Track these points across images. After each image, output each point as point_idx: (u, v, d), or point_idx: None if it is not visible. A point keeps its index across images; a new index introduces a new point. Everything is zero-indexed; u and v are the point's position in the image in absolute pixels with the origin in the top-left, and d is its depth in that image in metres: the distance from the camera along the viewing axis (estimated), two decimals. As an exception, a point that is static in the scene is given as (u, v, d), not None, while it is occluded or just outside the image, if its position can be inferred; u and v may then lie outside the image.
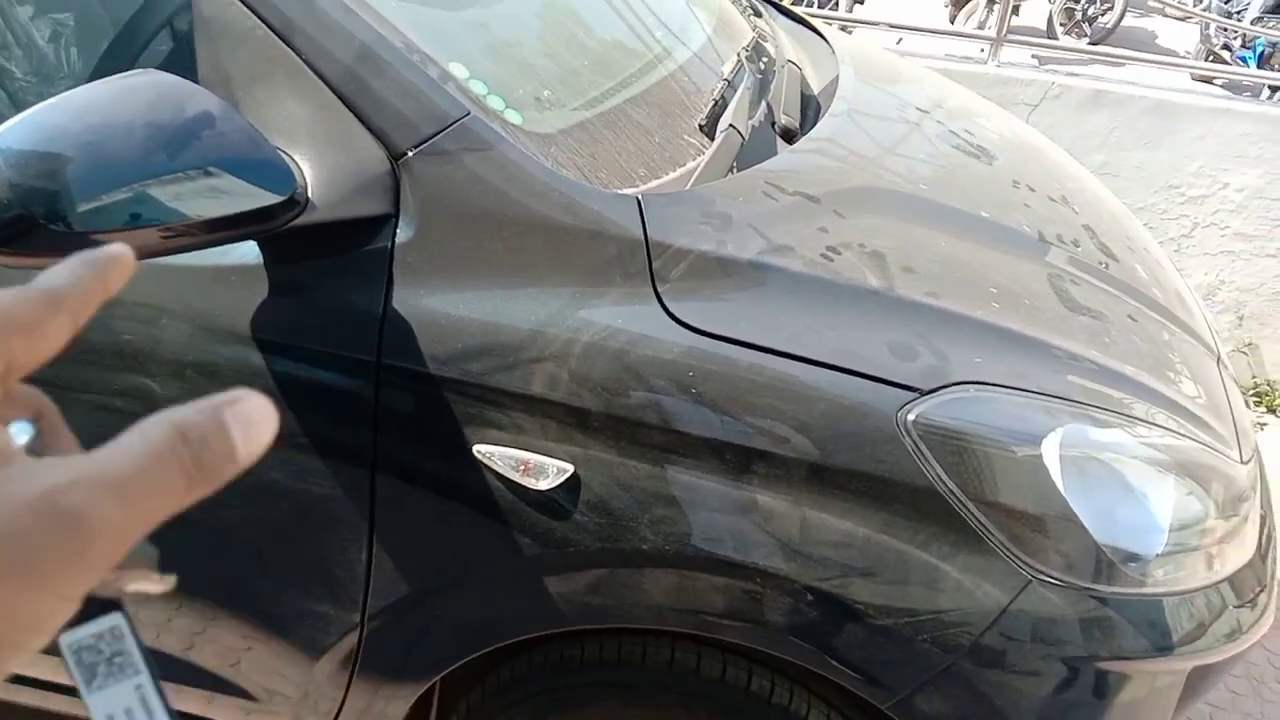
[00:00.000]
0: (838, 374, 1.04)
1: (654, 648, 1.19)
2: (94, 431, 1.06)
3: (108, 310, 1.09)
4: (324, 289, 1.07)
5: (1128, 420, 1.14)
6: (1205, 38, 8.23)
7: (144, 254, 0.93)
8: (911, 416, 1.03)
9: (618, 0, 1.67)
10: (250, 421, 0.32)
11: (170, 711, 0.38)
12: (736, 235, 1.11)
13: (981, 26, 8.18)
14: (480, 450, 1.07)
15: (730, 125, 1.32)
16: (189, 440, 0.30)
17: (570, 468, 1.06)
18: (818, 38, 2.08)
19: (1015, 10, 8.53)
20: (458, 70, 1.12)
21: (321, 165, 1.03)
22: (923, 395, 1.05)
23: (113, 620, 0.37)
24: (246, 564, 1.20)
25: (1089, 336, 1.22)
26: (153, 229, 0.91)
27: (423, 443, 1.09)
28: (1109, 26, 8.72)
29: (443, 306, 1.06)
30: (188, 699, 1.35)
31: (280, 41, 1.03)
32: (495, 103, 1.13)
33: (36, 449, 0.37)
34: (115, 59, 1.57)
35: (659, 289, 1.06)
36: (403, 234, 1.06)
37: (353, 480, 1.11)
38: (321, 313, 1.07)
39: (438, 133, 1.05)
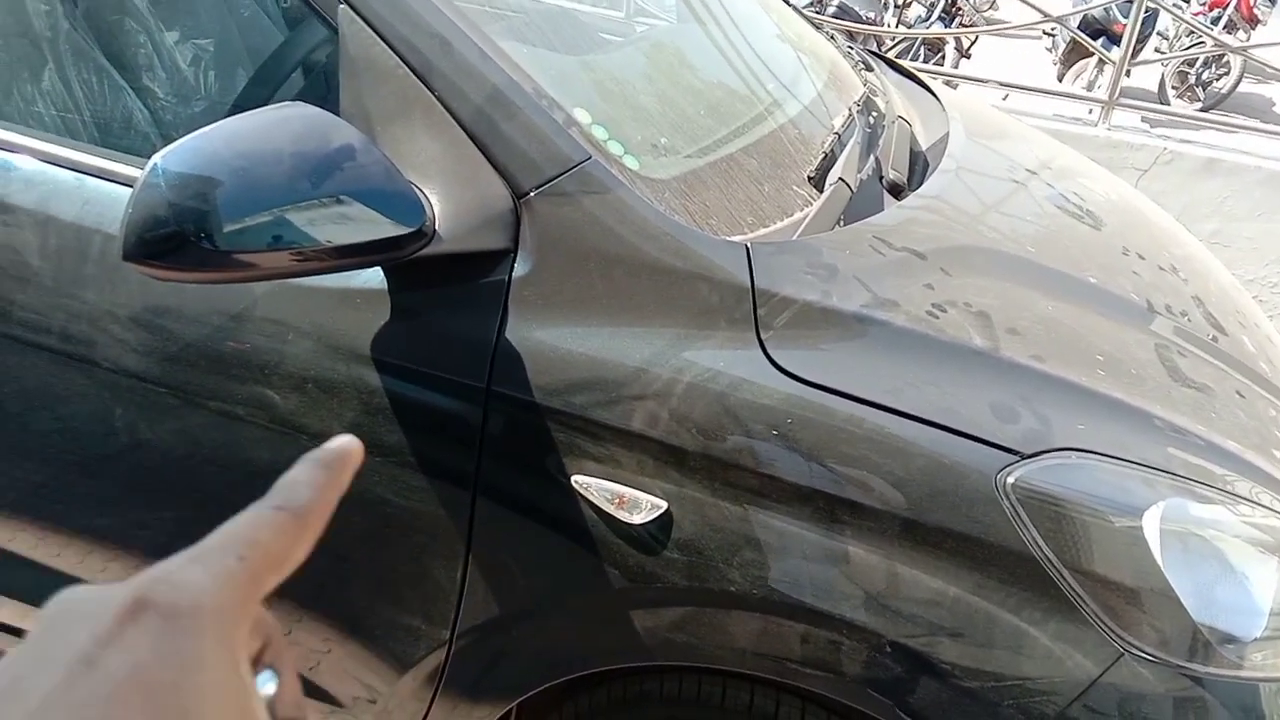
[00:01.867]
0: (938, 431, 1.04)
1: (734, 690, 1.20)
2: (216, 438, 1.12)
3: (239, 324, 1.16)
4: (442, 317, 1.12)
5: (1231, 498, 1.12)
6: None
7: (280, 275, 1.00)
8: (1011, 480, 1.03)
9: (732, 50, 1.72)
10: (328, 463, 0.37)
11: None
12: (842, 287, 1.13)
13: (1090, 87, 8.05)
14: (578, 481, 1.10)
15: (839, 178, 1.35)
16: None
17: (664, 504, 1.08)
18: (927, 93, 2.09)
19: (1127, 73, 8.42)
20: (581, 115, 1.17)
21: (449, 200, 1.09)
22: (1023, 459, 1.04)
23: (265, 675, 0.38)
24: (346, 574, 1.25)
25: (1194, 409, 1.20)
26: (288, 252, 0.97)
27: (523, 469, 1.13)
28: (1223, 92, 8.50)
29: (552, 340, 1.10)
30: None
31: (419, 81, 1.09)
32: (615, 148, 1.17)
33: (274, 705, 0.37)
34: (258, 87, 1.67)
35: (762, 336, 1.09)
36: (520, 269, 1.11)
37: (454, 501, 1.15)
38: (438, 339, 1.12)
39: (560, 175, 1.09)
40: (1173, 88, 8.74)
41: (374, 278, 1.14)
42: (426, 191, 1.09)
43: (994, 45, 8.58)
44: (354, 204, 0.99)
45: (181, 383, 1.19)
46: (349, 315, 1.14)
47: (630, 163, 1.17)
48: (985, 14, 7.63)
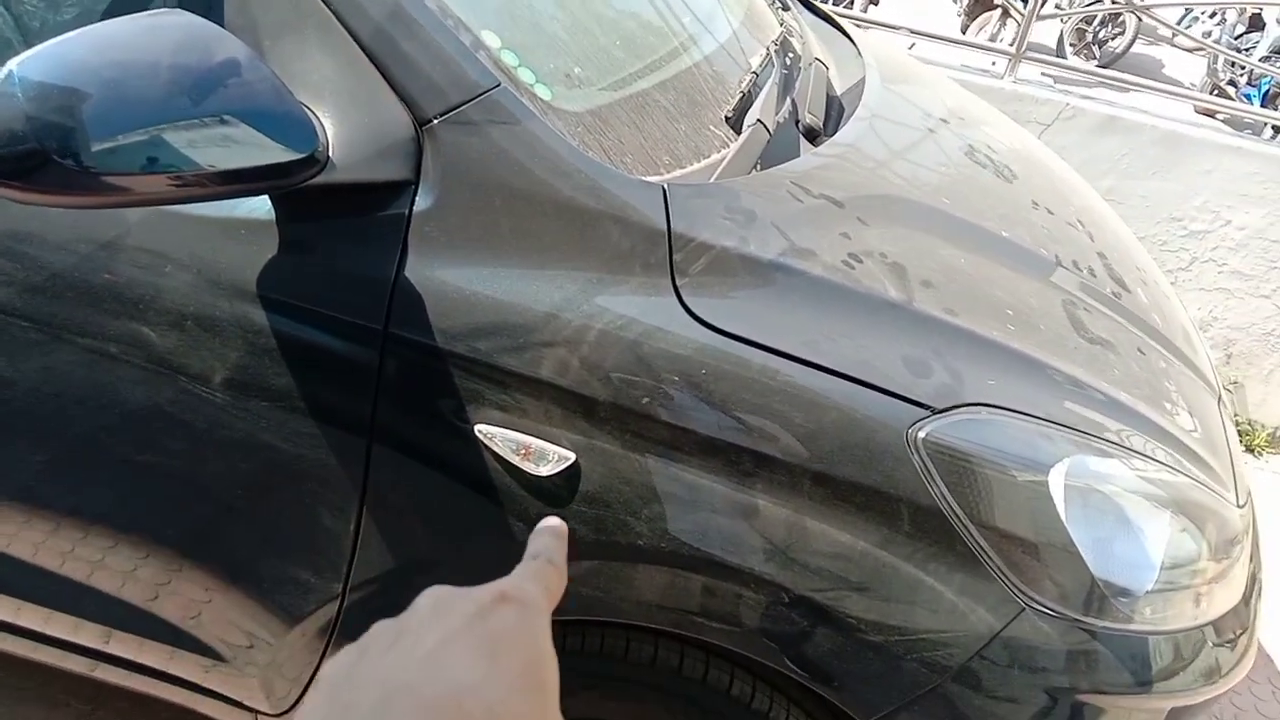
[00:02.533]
0: (851, 385, 1.02)
1: (638, 643, 1.18)
2: (86, 377, 1.02)
3: (111, 254, 1.06)
4: (335, 251, 1.05)
5: (1128, 453, 1.14)
6: (1212, 71, 8.27)
7: (156, 201, 0.91)
8: (922, 434, 1.02)
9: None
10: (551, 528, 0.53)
11: None
12: (759, 234, 1.10)
13: (993, 39, 8.17)
14: (482, 430, 1.05)
15: (757, 120, 1.30)
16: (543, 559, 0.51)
17: (571, 456, 1.04)
18: (843, 37, 2.06)
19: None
20: (490, 39, 1.10)
21: (344, 125, 1.01)
22: (934, 414, 1.03)
23: None
24: (231, 523, 1.17)
25: (1099, 366, 1.21)
26: (165, 175, 0.88)
27: (423, 417, 1.07)
28: (1118, 51, 8.73)
29: (456, 280, 1.03)
30: (149, 652, 1.32)
31: (313, -7, 1.00)
32: (525, 76, 1.10)
33: None
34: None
35: (678, 282, 1.05)
36: (421, 202, 1.03)
37: (348, 449, 1.09)
38: (331, 275, 1.05)
39: (466, 102, 1.02)
40: (1070, 44, 8.94)
41: (260, 207, 1.05)
42: (319, 114, 1.00)
43: (902, -5, 8.61)
44: (239, 125, 0.90)
45: (47, 316, 1.09)
46: (232, 247, 1.05)
47: (542, 92, 1.10)
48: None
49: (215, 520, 1.18)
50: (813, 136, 1.49)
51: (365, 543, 1.13)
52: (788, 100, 1.49)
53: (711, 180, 1.17)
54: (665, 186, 1.08)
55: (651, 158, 1.17)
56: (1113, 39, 8.83)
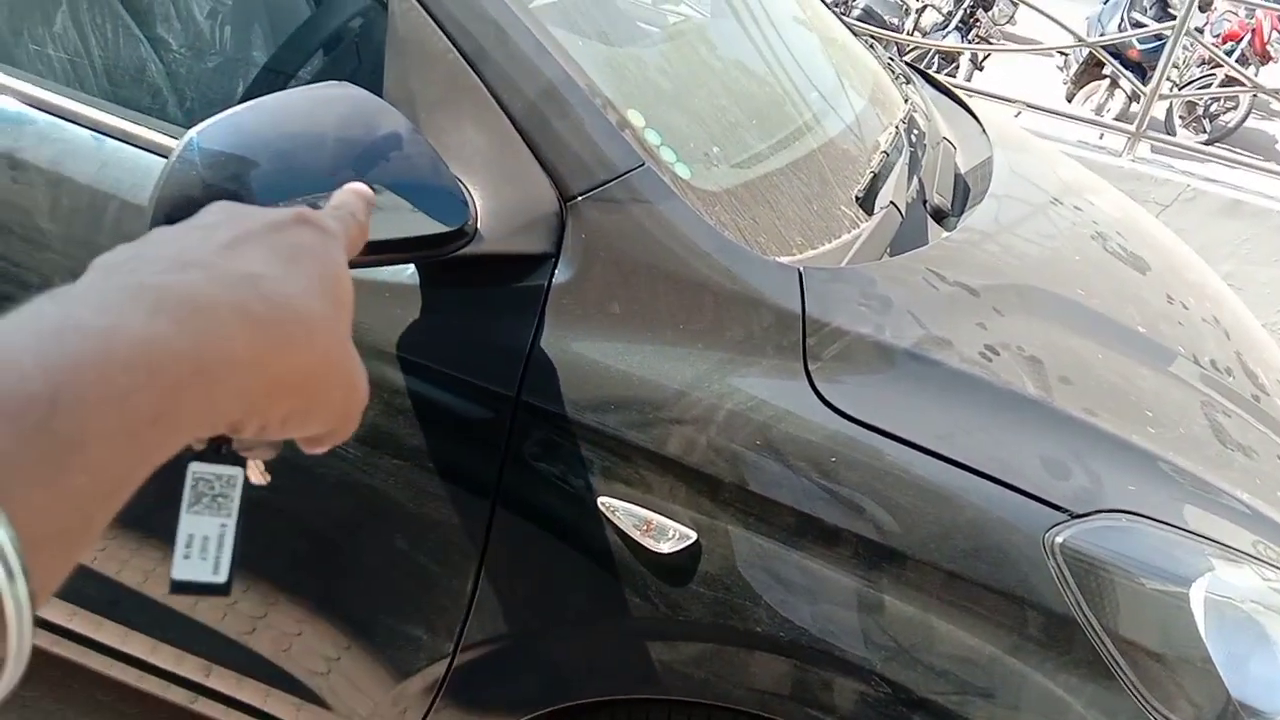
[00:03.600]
0: (988, 483, 1.00)
1: (747, 730, 1.15)
2: None
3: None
4: (475, 318, 1.07)
5: (1269, 567, 1.08)
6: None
7: None
8: (1060, 539, 0.99)
9: (776, 53, 1.66)
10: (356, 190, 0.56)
11: (234, 556, 0.47)
12: (895, 321, 1.08)
13: (1100, 109, 8.03)
14: (604, 502, 1.05)
15: (890, 203, 1.29)
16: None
17: (693, 535, 1.03)
18: (965, 112, 2.04)
19: (1135, 97, 8.40)
20: (635, 118, 1.12)
21: (492, 197, 1.03)
22: (1073, 518, 1.00)
23: (234, 471, 0.47)
24: (349, 573, 1.19)
25: (1241, 475, 1.16)
26: None
27: (548, 484, 1.07)
28: (1230, 126, 8.50)
29: (590, 353, 1.04)
30: (247, 689, 1.34)
31: (471, 69, 1.03)
32: (667, 155, 1.12)
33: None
34: (288, 52, 1.60)
35: (810, 367, 1.04)
36: (561, 275, 1.05)
37: (472, 510, 1.10)
38: (469, 341, 1.07)
39: (611, 180, 1.04)
40: (1180, 118, 8.73)
41: (404, 270, 1.08)
42: (469, 186, 1.03)
43: (1005, 58, 8.53)
44: (394, 196, 0.93)
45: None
46: (376, 308, 1.08)
47: (682, 171, 1.12)
48: (1002, 27, 7.59)
49: (333, 569, 1.20)
50: (940, 217, 1.47)
51: (481, 605, 1.14)
52: (915, 180, 1.48)
53: (844, 263, 1.16)
54: (801, 270, 1.07)
55: (785, 238, 1.17)
56: (1225, 113, 8.61)
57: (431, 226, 0.96)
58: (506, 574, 1.12)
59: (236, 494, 0.49)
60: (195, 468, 0.48)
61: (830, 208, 1.28)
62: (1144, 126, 2.98)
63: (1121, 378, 1.20)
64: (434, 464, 1.09)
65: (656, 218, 1.04)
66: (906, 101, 1.77)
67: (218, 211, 0.42)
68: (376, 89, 1.05)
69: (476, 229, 1.01)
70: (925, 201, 1.47)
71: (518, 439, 1.06)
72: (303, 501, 1.17)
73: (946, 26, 7.16)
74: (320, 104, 0.91)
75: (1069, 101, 8.50)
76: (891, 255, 1.24)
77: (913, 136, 1.62)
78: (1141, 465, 1.08)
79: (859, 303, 1.08)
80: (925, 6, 7.29)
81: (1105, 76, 8.05)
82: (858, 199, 1.33)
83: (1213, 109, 8.77)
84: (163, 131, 1.14)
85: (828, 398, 1.03)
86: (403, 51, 1.04)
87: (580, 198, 1.04)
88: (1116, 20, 7.76)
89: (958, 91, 2.12)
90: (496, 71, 1.03)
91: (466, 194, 1.00)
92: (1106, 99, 8.13)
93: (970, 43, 6.97)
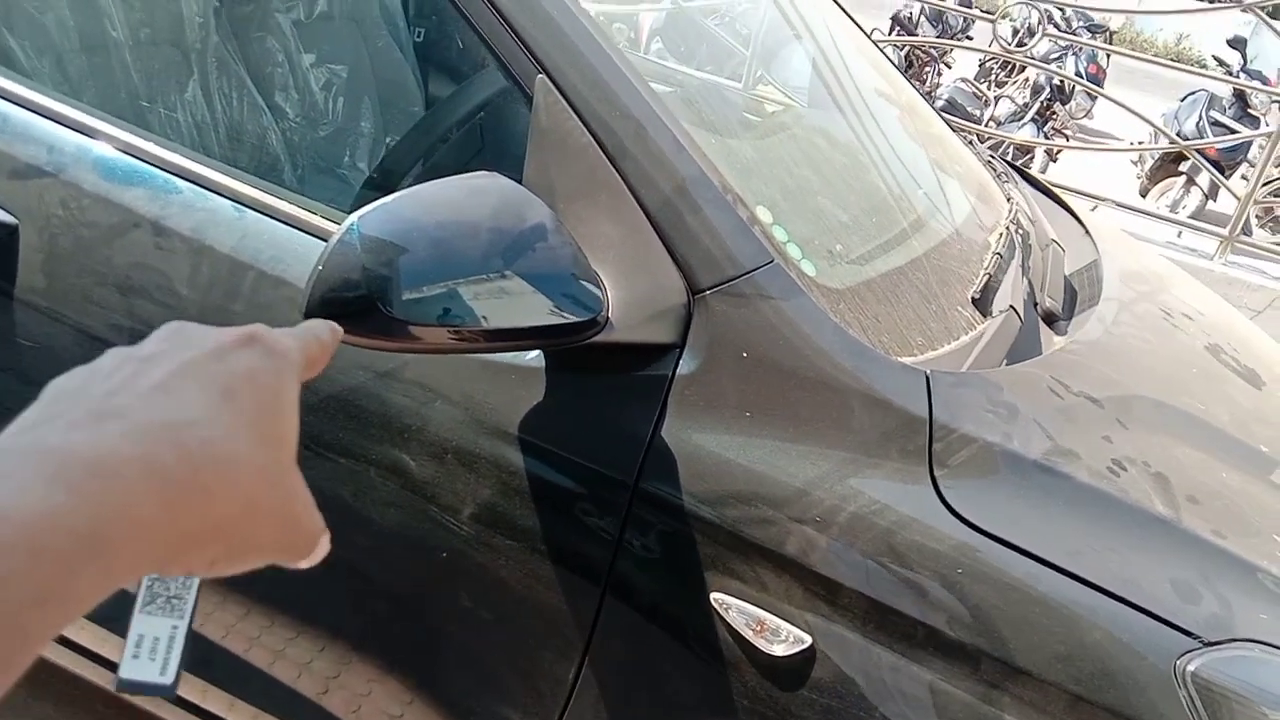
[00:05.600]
0: (1117, 604, 0.97)
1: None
2: (336, 492, 1.06)
3: (386, 383, 1.12)
4: (598, 404, 1.07)
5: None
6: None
7: (446, 350, 0.95)
8: (1191, 668, 0.95)
9: (891, 149, 1.67)
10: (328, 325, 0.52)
11: (183, 661, 0.46)
12: (1022, 430, 1.07)
13: (1174, 207, 7.95)
14: (717, 599, 1.04)
15: (1010, 307, 1.29)
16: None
17: (808, 639, 1.02)
18: (1063, 210, 2.03)
19: (1212, 195, 8.30)
20: (763, 214, 1.13)
21: (623, 287, 1.04)
22: (1205, 646, 0.96)
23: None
24: (453, 649, 1.19)
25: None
26: (455, 330, 0.92)
27: (660, 575, 1.06)
28: (1310, 228, 8.34)
29: (711, 446, 1.04)
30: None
31: (610, 164, 1.05)
32: (794, 251, 1.13)
33: None
34: (422, 135, 1.66)
35: (936, 473, 1.02)
36: (685, 366, 1.06)
37: (582, 595, 1.09)
38: (589, 426, 1.07)
39: (740, 276, 1.05)
40: (1256, 217, 8.58)
41: (530, 353, 1.09)
42: (602, 275, 1.04)
43: (1080, 152, 8.50)
44: (534, 285, 0.95)
45: (314, 433, 1.15)
46: (501, 389, 1.09)
47: (808, 268, 1.12)
48: (1079, 120, 7.60)
49: (438, 645, 1.19)
50: (1051, 321, 1.46)
51: (582, 692, 1.12)
52: (1025, 282, 1.47)
53: (966, 367, 1.16)
54: (929, 374, 1.07)
55: (906, 337, 1.16)
56: (1306, 214, 8.45)
57: (567, 316, 0.97)
58: (611, 663, 1.11)
59: (192, 595, 0.48)
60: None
61: (947, 308, 1.27)
62: (1238, 230, 2.94)
63: (1247, 499, 1.16)
64: (546, 546, 1.09)
65: (784, 314, 1.04)
66: (1010, 200, 1.77)
67: (164, 338, 0.42)
68: (517, 176, 1.08)
69: (607, 318, 1.02)
70: (1036, 304, 1.46)
71: (633, 527, 1.06)
72: (415, 581, 1.17)
73: (1022, 117, 7.19)
74: (472, 194, 0.94)
75: (1143, 197, 8.43)
76: (1009, 361, 1.22)
77: (1021, 237, 1.61)
78: (1271, 592, 1.04)
79: (985, 409, 1.07)
80: (1000, 96, 7.33)
81: (1181, 173, 7.96)
82: (974, 300, 1.32)
83: (1291, 210, 8.60)
84: (305, 208, 1.18)
85: (954, 506, 1.01)
86: (544, 143, 1.07)
87: (709, 291, 1.05)
88: (1195, 119, 7.72)
89: (1055, 190, 2.12)
90: (635, 167, 1.05)
91: (601, 285, 1.02)
92: (1182, 195, 8.05)
93: (1046, 135, 6.97)
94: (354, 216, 0.88)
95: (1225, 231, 2.97)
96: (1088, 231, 1.91)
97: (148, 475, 0.33)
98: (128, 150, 1.22)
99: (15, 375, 1.28)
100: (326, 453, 1.15)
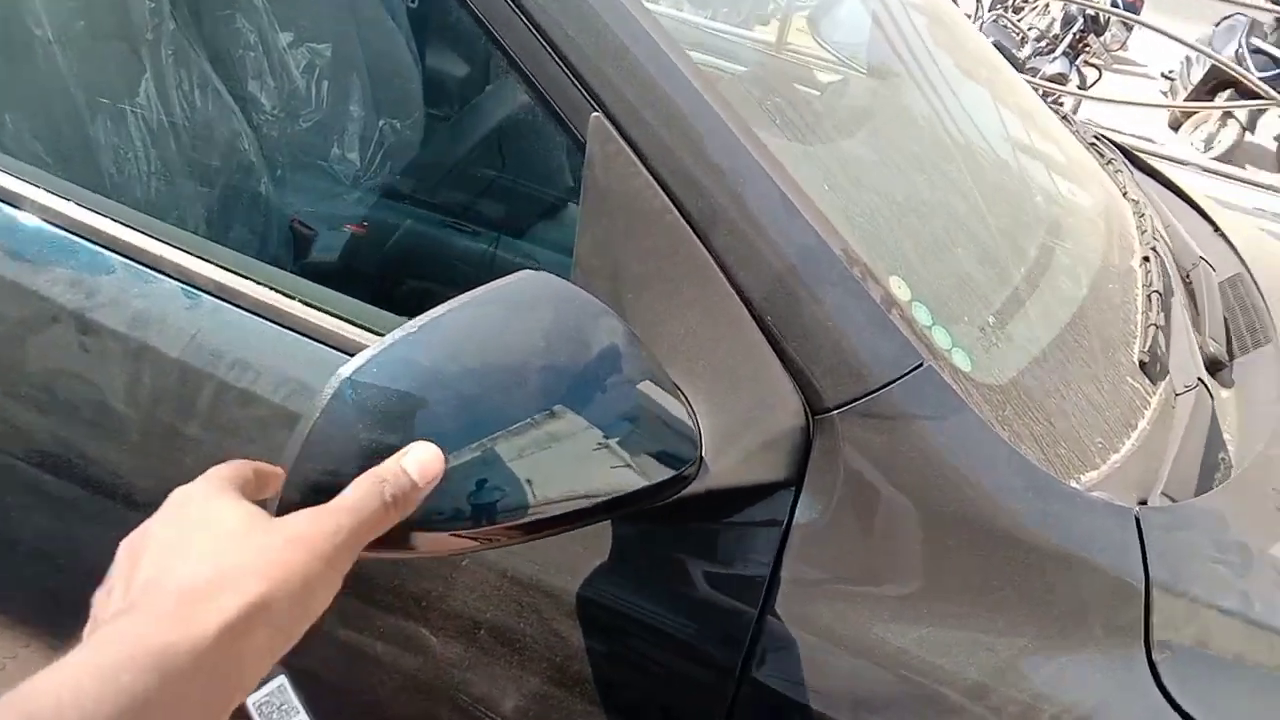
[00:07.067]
0: None
1: None
2: (345, 682, 0.76)
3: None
4: (686, 568, 0.79)
5: None
6: None
7: (472, 551, 0.67)
8: None
9: (1000, 135, 1.35)
10: (421, 461, 0.54)
11: None
12: (1260, 584, 0.78)
13: (1210, 141, 7.55)
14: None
15: (1199, 380, 0.99)
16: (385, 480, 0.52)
17: None
18: (1186, 205, 1.72)
19: (1251, 128, 7.88)
20: (900, 290, 0.83)
21: (718, 410, 0.75)
22: None
23: (279, 680, 0.57)
24: None
25: None
26: (499, 526, 0.64)
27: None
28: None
29: (844, 626, 0.76)
30: None
31: (695, 236, 0.75)
32: (941, 339, 0.83)
33: None
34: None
35: (1155, 658, 0.74)
36: (804, 513, 0.77)
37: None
38: (675, 597, 0.79)
39: (879, 389, 0.75)
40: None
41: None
42: (689, 395, 0.75)
43: (1111, 82, 8.06)
44: (600, 441, 0.66)
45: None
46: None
47: (961, 361, 0.83)
48: (1114, 52, 7.16)
49: None
50: (1215, 369, 1.16)
51: None
52: (1188, 324, 1.17)
53: (1163, 484, 0.86)
54: (1138, 515, 0.78)
55: (1084, 443, 0.87)
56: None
57: (650, 476, 0.68)
58: None
59: (292, 695, 0.56)
60: (252, 699, 0.53)
61: (1117, 383, 0.98)
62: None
63: None
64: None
65: (943, 439, 0.75)
66: (1136, 203, 1.46)
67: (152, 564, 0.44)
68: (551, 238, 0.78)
69: (700, 459, 0.73)
70: (1201, 348, 1.16)
71: (738, 729, 0.78)
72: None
73: (1054, 50, 6.74)
74: (515, 310, 0.64)
75: (1174, 131, 8.02)
76: (1206, 461, 0.93)
77: (1166, 257, 1.31)
78: None
79: (1214, 558, 0.79)
80: (1032, 29, 6.87)
81: (1222, 107, 7.53)
82: (1141, 365, 1.03)
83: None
84: (281, 288, 0.88)
85: (1183, 705, 0.73)
86: (602, 208, 0.77)
87: (836, 411, 0.75)
88: (1233, 46, 7.26)
89: (1169, 177, 1.79)
90: (732, 241, 0.75)
91: (693, 416, 0.72)
92: (1218, 129, 7.64)
93: (1078, 68, 6.53)
94: (345, 370, 0.58)
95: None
96: (1217, 229, 1.60)
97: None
98: (45, 216, 0.92)
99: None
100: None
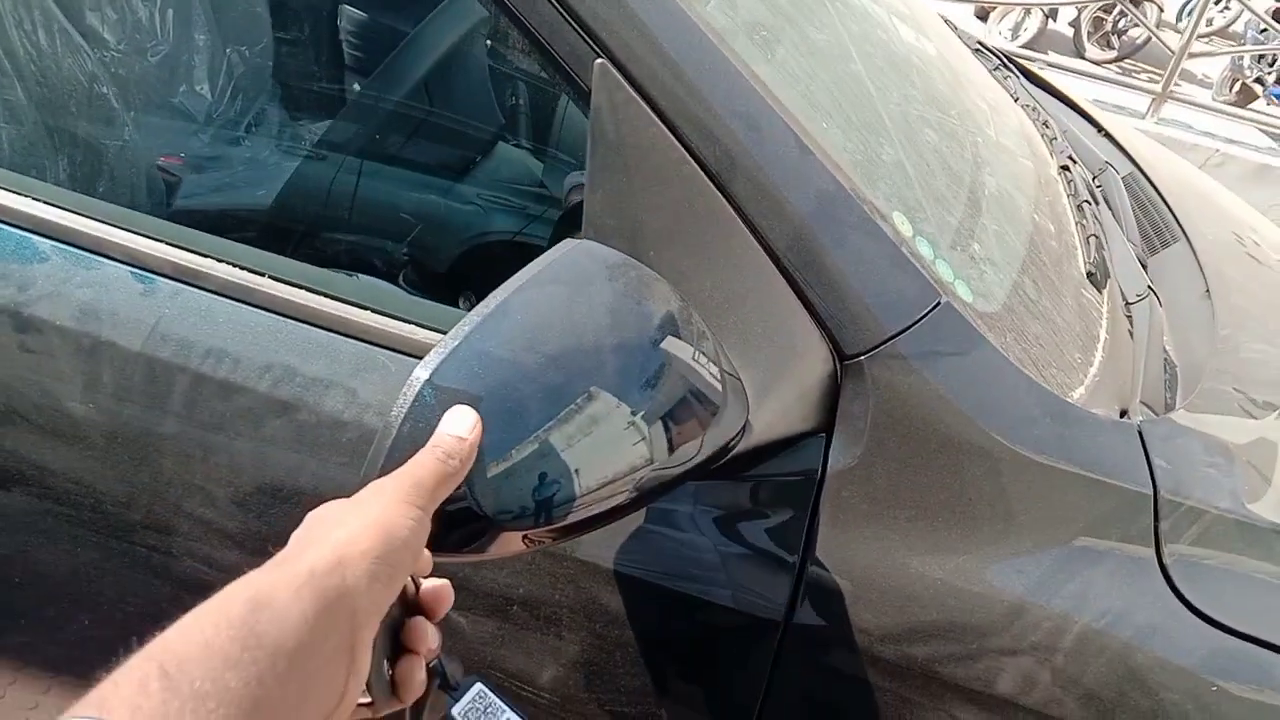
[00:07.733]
0: None
1: None
2: None
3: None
4: (723, 522, 0.78)
5: None
6: (1236, 67, 8.04)
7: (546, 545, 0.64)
8: None
9: (941, 79, 1.35)
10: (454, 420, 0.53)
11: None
12: (1245, 483, 0.84)
13: (1015, 30, 7.91)
14: (903, 754, 0.79)
15: (1149, 288, 1.04)
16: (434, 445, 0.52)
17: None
18: (1062, 104, 1.79)
19: (1052, 16, 8.31)
20: (901, 224, 0.82)
21: (750, 364, 0.74)
22: None
23: (476, 686, 0.54)
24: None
25: None
26: (570, 519, 0.60)
27: (822, 732, 0.81)
28: (1138, 43, 8.51)
29: (883, 563, 0.77)
30: None
31: (715, 187, 0.72)
32: (943, 271, 0.83)
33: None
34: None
35: (1165, 562, 0.79)
36: (838, 459, 0.77)
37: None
38: (715, 552, 0.78)
39: (905, 329, 0.75)
40: (1088, 32, 8.67)
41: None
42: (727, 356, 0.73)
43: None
44: (658, 421, 0.63)
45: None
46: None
47: (963, 292, 0.84)
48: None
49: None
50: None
51: None
52: (1121, 230, 1.23)
53: (1139, 394, 0.91)
54: (1141, 428, 0.82)
55: (1067, 359, 0.91)
56: (1132, 28, 8.60)
57: (710, 445, 0.66)
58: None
59: (494, 697, 0.53)
60: (456, 710, 0.52)
61: (1077, 298, 1.02)
62: (1169, 86, 2.80)
63: None
64: (665, 715, 0.81)
65: (965, 373, 0.77)
66: (1036, 112, 1.51)
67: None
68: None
69: (748, 421, 0.71)
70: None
71: (785, 676, 0.79)
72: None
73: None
74: (576, 287, 0.60)
75: (982, 20, 8.35)
76: (1169, 371, 0.99)
77: (1083, 168, 1.36)
78: None
79: (1206, 463, 0.84)
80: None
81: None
82: (1089, 276, 1.07)
83: (1120, 25, 8.72)
84: (244, 264, 0.79)
85: (1193, 602, 0.78)
86: (612, 162, 0.72)
87: (864, 355, 0.75)
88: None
89: (1045, 79, 1.86)
90: (751, 190, 0.72)
91: (742, 384, 0.70)
92: (1023, 17, 8.03)
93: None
94: (421, 371, 0.53)
95: (1158, 88, 2.83)
96: (1101, 129, 1.68)
97: None
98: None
99: None
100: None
